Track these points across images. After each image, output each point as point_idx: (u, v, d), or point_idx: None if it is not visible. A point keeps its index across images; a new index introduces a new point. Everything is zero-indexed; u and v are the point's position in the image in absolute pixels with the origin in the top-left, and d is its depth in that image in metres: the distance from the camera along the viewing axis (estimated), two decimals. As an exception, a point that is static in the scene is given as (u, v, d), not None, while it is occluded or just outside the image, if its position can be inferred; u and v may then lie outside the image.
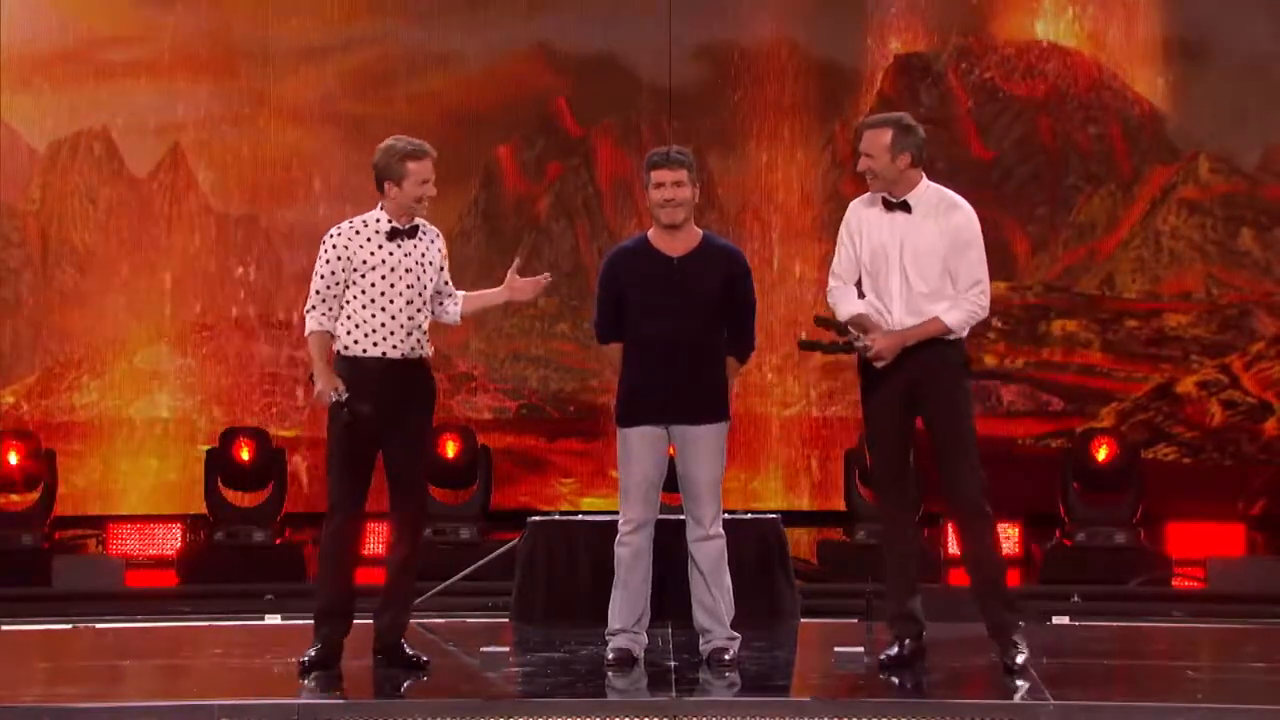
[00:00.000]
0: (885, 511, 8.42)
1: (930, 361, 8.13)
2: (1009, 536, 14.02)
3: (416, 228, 8.40)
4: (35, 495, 13.70)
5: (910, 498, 8.38)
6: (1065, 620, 11.56)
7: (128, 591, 12.86)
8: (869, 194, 8.34)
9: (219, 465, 13.67)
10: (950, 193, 8.29)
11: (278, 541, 13.60)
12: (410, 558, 8.45)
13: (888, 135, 8.18)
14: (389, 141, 8.41)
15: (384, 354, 8.32)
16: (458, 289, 8.58)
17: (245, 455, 13.63)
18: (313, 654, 8.32)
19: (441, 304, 8.50)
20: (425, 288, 8.38)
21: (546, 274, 8.55)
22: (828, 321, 8.28)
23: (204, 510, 13.77)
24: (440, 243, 8.48)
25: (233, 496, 13.75)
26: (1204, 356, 14.51)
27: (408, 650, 8.42)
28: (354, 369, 8.33)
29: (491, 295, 8.55)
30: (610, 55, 14.55)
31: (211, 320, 14.61)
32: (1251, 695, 8.16)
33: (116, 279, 14.58)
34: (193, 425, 14.51)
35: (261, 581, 12.86)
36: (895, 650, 8.34)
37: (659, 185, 8.40)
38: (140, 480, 14.55)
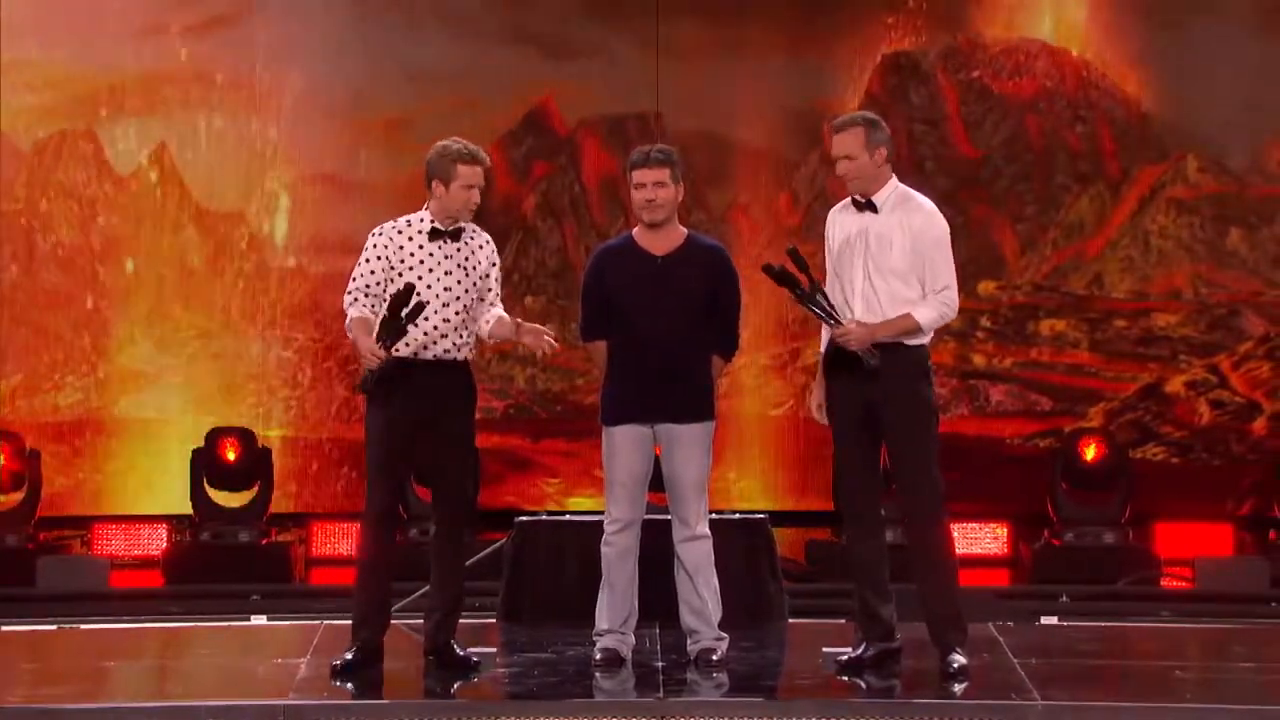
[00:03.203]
0: (850, 516, 8.39)
1: (889, 367, 8.11)
2: (998, 536, 14.04)
3: (460, 230, 8.33)
4: (20, 496, 13.68)
5: (876, 503, 8.34)
6: (1054, 620, 11.56)
7: (113, 592, 12.84)
8: (843, 200, 8.34)
9: (205, 465, 13.64)
10: (916, 194, 8.28)
11: (264, 542, 13.58)
12: (453, 563, 8.42)
13: (861, 133, 8.19)
14: (445, 141, 8.32)
15: (415, 354, 8.26)
16: None
17: (231, 455, 13.61)
18: (349, 656, 8.30)
19: (480, 311, 8.39)
20: (465, 291, 8.30)
21: (552, 333, 8.41)
22: (799, 259, 8.21)
23: (190, 510, 13.74)
24: (490, 249, 8.39)
25: (219, 497, 13.72)
26: (1192, 356, 14.51)
27: (458, 651, 8.40)
28: (389, 368, 8.29)
29: (508, 328, 8.37)
30: (598, 53, 14.52)
31: (197, 319, 14.57)
32: (1239, 695, 8.15)
33: (102, 278, 14.54)
34: (178, 425, 14.46)
35: (247, 582, 12.85)
36: (855, 653, 8.32)
37: (639, 185, 8.37)
38: (126, 480, 14.51)
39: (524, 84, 14.58)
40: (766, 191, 14.60)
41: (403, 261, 8.27)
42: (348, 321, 8.28)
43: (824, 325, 8.29)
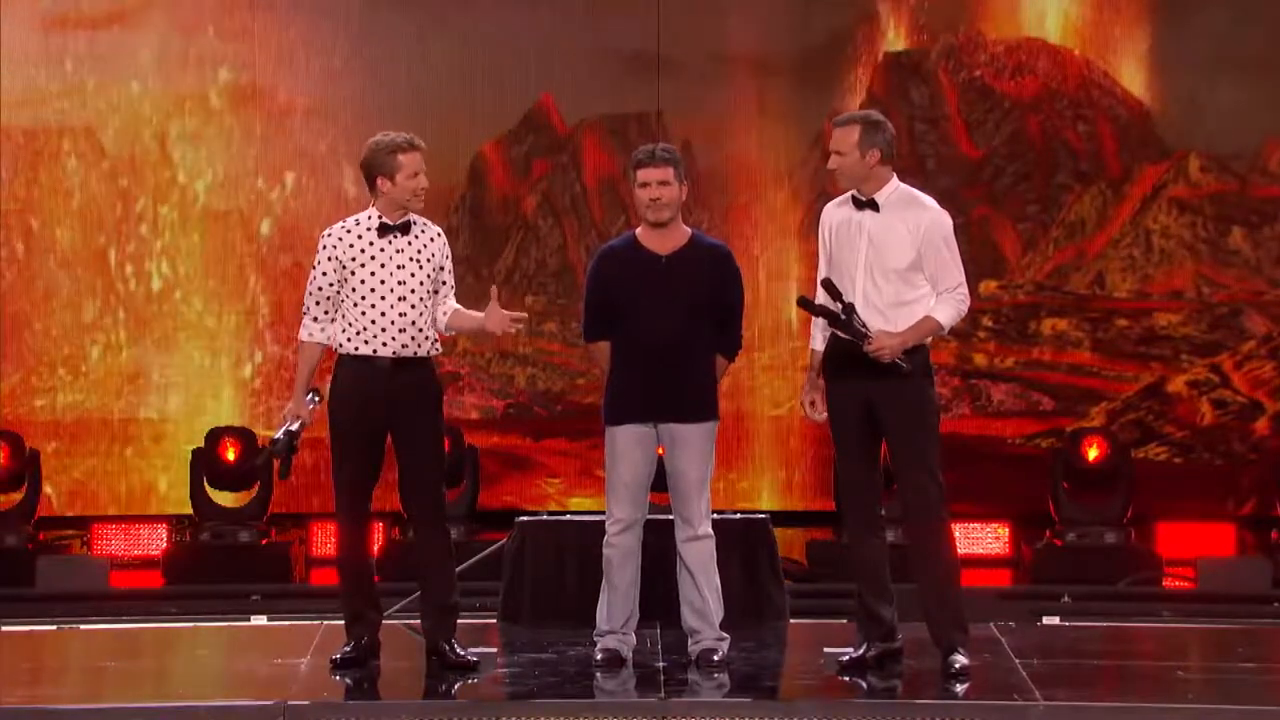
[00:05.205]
0: (851, 516, 8.37)
1: (890, 369, 8.09)
2: (999, 536, 14.03)
3: (409, 224, 8.36)
4: (19, 496, 13.66)
5: (877, 503, 8.33)
6: (1055, 621, 11.55)
7: (112, 592, 12.82)
8: (840, 196, 8.33)
9: (205, 465, 13.63)
10: (919, 193, 8.28)
11: (264, 542, 13.56)
12: (436, 560, 8.41)
13: (856, 132, 8.17)
14: (376, 137, 8.39)
15: (375, 351, 8.28)
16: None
17: (231, 455, 13.58)
18: (348, 650, 8.36)
19: (436, 305, 8.43)
20: (420, 284, 8.32)
21: (523, 314, 8.45)
22: (832, 288, 8.17)
23: (190, 510, 13.72)
24: (442, 241, 8.42)
25: (219, 497, 13.70)
26: (1194, 356, 14.48)
27: (458, 651, 8.39)
28: (348, 368, 8.32)
29: (472, 319, 8.43)
30: (598, 51, 14.51)
31: (198, 319, 14.55)
32: (1241, 695, 8.14)
33: (101, 277, 14.52)
34: (178, 425, 14.45)
35: (247, 582, 12.83)
36: (857, 653, 8.32)
37: (644, 184, 8.36)
38: (125, 480, 14.49)
39: (523, 83, 14.55)
40: (768, 191, 14.58)
41: (354, 260, 8.30)
42: (299, 340, 8.42)
43: (813, 323, 8.29)
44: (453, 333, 8.52)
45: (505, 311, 8.33)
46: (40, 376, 14.51)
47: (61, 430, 14.45)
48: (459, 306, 8.45)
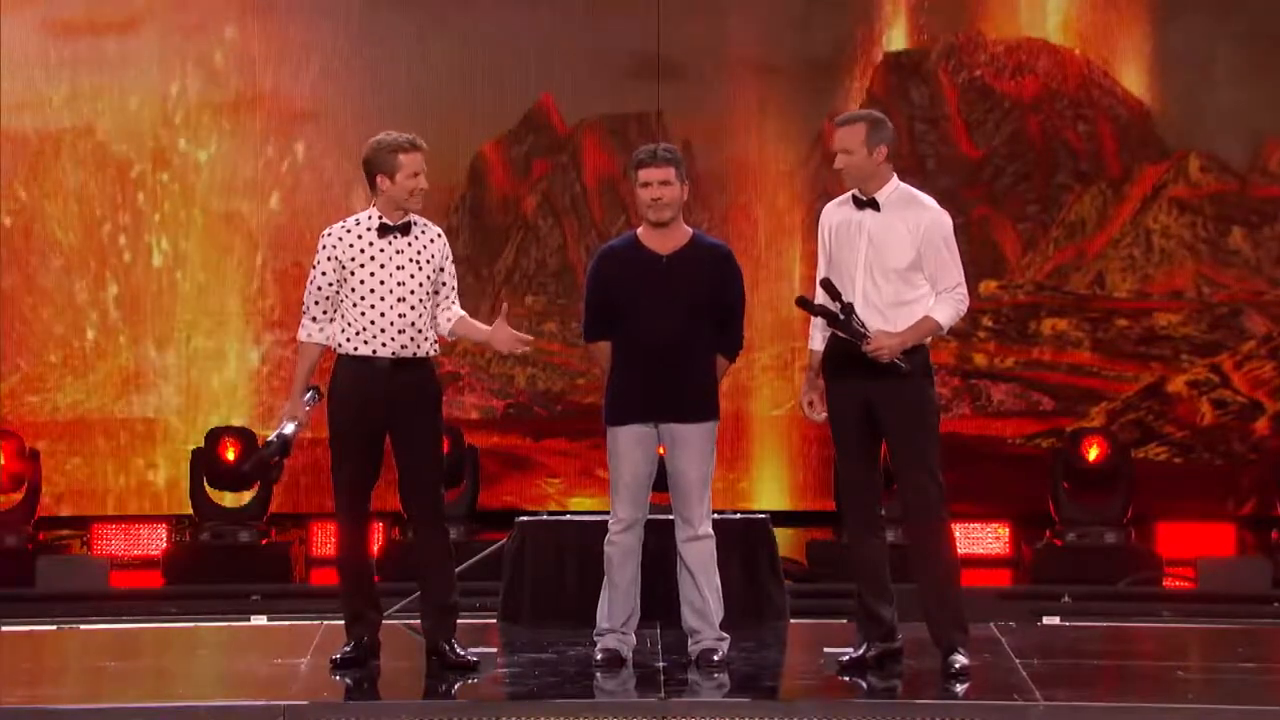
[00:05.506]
0: (851, 516, 8.37)
1: (889, 369, 8.09)
2: (999, 536, 14.03)
3: (410, 225, 8.35)
4: (19, 496, 13.65)
5: (877, 503, 8.33)
6: (1055, 621, 11.55)
7: (112, 592, 12.82)
8: (840, 196, 8.33)
9: (205, 465, 13.62)
10: (919, 193, 8.28)
11: (264, 542, 13.56)
12: (436, 560, 8.41)
13: (862, 130, 8.18)
14: (379, 136, 8.38)
15: (374, 352, 8.28)
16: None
17: (231, 455, 13.58)
18: (347, 650, 8.36)
19: (439, 307, 8.41)
20: (420, 285, 8.32)
21: (531, 338, 8.45)
22: (831, 288, 8.18)
23: (190, 510, 13.72)
24: (442, 242, 8.41)
25: (218, 497, 13.70)
26: (1194, 356, 14.48)
27: (458, 651, 8.39)
28: (347, 369, 8.32)
29: (478, 331, 8.44)
30: (598, 51, 14.51)
31: (197, 319, 14.55)
32: (1241, 695, 8.14)
33: (102, 277, 14.52)
34: (178, 425, 14.44)
35: (247, 582, 12.82)
36: (857, 653, 8.32)
37: (646, 184, 8.35)
38: (125, 480, 14.48)
39: (523, 83, 14.55)
40: (768, 191, 14.58)
41: (353, 260, 8.29)
42: (298, 340, 8.44)
43: (812, 322, 8.29)
44: (455, 339, 8.52)
45: (514, 332, 8.32)
46: (41, 377, 14.50)
47: (61, 430, 14.45)
48: (465, 314, 8.43)
